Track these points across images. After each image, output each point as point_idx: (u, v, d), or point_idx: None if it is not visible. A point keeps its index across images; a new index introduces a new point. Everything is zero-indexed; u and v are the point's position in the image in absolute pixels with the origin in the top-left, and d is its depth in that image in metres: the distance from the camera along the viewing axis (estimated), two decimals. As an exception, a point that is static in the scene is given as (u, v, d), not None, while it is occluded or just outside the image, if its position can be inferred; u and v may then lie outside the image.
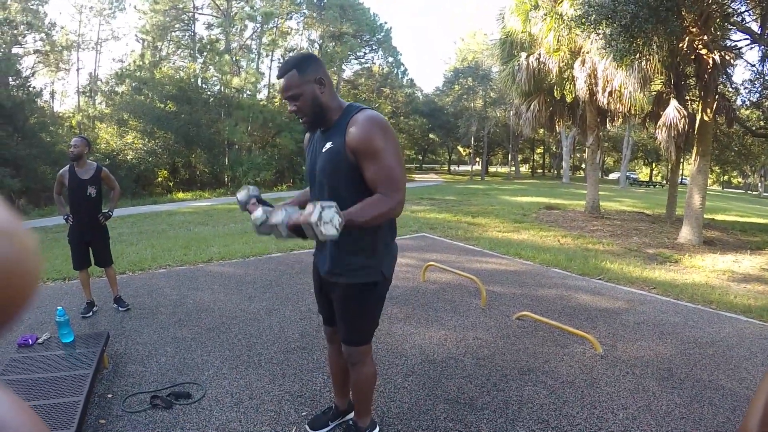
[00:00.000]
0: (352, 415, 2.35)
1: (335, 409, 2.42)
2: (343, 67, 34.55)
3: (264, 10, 26.48)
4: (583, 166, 41.42)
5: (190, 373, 2.98)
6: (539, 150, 48.91)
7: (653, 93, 10.49)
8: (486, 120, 33.97)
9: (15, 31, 21.01)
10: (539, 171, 49.48)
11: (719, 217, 13.89)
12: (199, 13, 30.13)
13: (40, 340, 3.10)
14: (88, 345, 2.98)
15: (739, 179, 49.59)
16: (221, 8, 28.36)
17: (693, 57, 8.26)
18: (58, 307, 3.05)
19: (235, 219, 11.43)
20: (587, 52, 9.89)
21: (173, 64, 28.75)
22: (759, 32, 8.12)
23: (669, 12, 6.93)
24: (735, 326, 4.06)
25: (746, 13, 8.73)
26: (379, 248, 1.87)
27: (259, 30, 28.62)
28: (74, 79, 33.92)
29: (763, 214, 17.10)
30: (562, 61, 10.86)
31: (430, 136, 43.86)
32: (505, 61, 12.24)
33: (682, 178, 22.24)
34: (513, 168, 41.23)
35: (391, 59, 37.54)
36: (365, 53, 36.53)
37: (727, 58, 8.11)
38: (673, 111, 8.59)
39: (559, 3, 10.26)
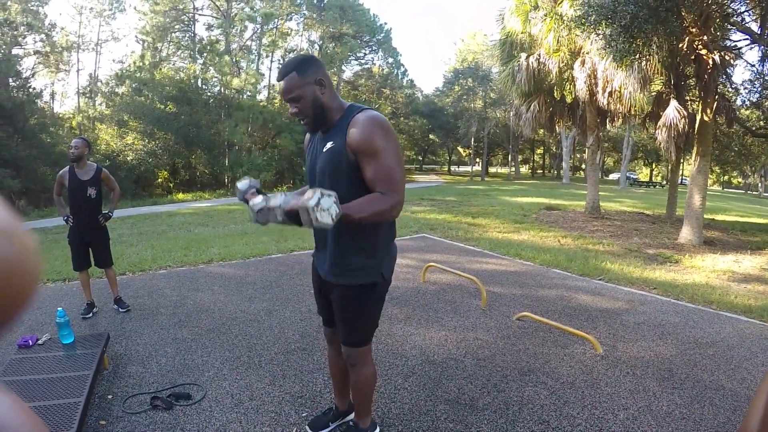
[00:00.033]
0: (352, 416, 2.35)
1: (335, 410, 2.42)
2: (343, 68, 34.62)
3: (264, 11, 26.51)
4: (583, 166, 41.44)
5: (190, 374, 2.98)
6: (539, 150, 48.92)
7: (653, 93, 10.50)
8: (486, 121, 33.98)
9: (15, 32, 21.04)
10: (539, 171, 49.48)
11: (719, 217, 13.89)
12: (199, 14, 30.18)
13: (40, 341, 3.10)
14: (88, 346, 2.98)
15: (739, 179, 49.60)
16: (221, 9, 28.38)
17: (693, 57, 8.27)
18: (59, 308, 3.04)
19: (235, 220, 11.43)
20: (587, 53, 9.89)
21: (173, 65, 28.80)
22: (759, 32, 8.13)
23: (669, 12, 6.94)
24: (735, 326, 4.06)
25: (746, 13, 8.74)
26: (378, 249, 1.87)
27: (259, 31, 28.65)
28: (74, 80, 34.06)
29: (763, 214, 17.09)
30: (562, 62, 10.86)
31: (430, 136, 43.88)
32: (504, 62, 12.24)
33: (682, 179, 22.25)
34: (513, 168, 41.23)
35: (391, 60, 37.61)
36: (365, 54, 36.60)
37: (727, 58, 8.11)
38: (673, 111, 8.59)
39: (559, 3, 10.26)
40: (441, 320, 4.00)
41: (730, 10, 8.24)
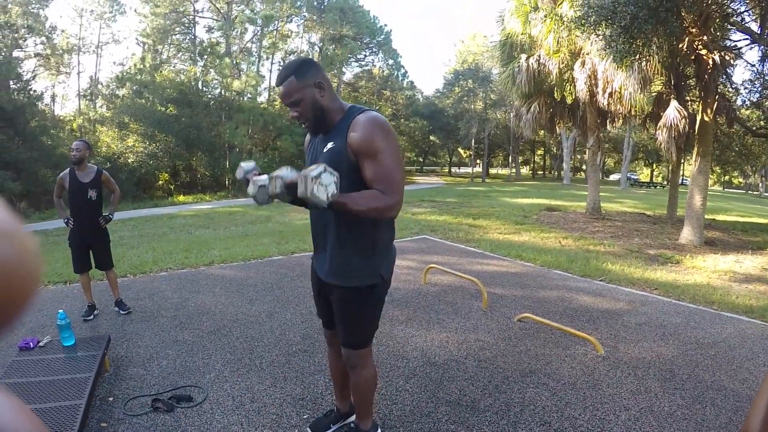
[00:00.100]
0: (353, 417, 2.35)
1: (337, 412, 2.42)
2: (344, 69, 34.64)
3: (264, 13, 26.54)
4: (584, 167, 41.45)
5: (191, 376, 2.98)
6: (540, 151, 48.93)
7: (653, 94, 10.49)
8: (486, 122, 34.00)
9: (16, 35, 21.10)
10: (540, 172, 49.48)
11: (720, 217, 13.88)
12: (200, 17, 30.25)
13: (41, 343, 3.10)
14: (89, 348, 2.98)
15: (740, 179, 49.55)
16: (221, 11, 28.44)
17: (693, 57, 8.27)
18: (59, 311, 3.04)
19: (236, 222, 11.45)
20: (587, 54, 9.89)
21: (174, 67, 28.87)
22: (759, 32, 8.12)
23: (669, 13, 6.94)
24: (737, 327, 4.05)
25: (746, 13, 8.73)
26: (377, 250, 1.87)
27: (259, 33, 28.69)
28: (75, 83, 34.14)
29: (764, 214, 17.08)
30: (562, 63, 10.86)
31: (431, 138, 43.90)
32: (505, 63, 12.25)
33: (682, 179, 22.23)
34: (513, 170, 41.23)
35: (391, 61, 37.64)
36: (365, 56, 36.64)
37: (727, 58, 8.11)
38: (673, 112, 8.59)
39: (559, 4, 10.27)
40: (442, 322, 4.00)
41: (729, 10, 8.24)
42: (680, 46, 7.83)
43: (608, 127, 13.43)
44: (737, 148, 12.53)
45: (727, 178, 46.46)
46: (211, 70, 25.74)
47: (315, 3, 30.97)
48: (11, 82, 19.47)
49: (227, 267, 6.04)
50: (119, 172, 19.19)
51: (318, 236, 1.95)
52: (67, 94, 30.96)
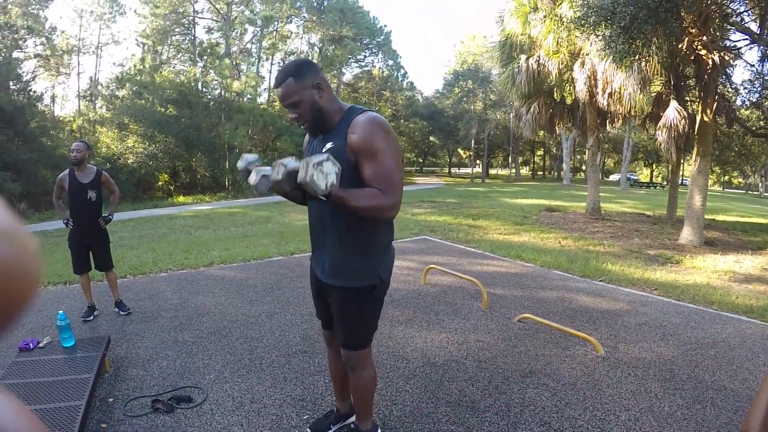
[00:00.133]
0: (353, 418, 2.35)
1: (337, 413, 2.42)
2: (343, 70, 34.66)
3: (264, 14, 26.56)
4: (584, 167, 41.45)
5: (191, 377, 2.98)
6: (539, 152, 48.94)
7: (653, 94, 10.50)
8: (486, 122, 34.01)
9: (16, 36, 21.11)
10: (540, 173, 49.49)
11: (720, 217, 13.88)
12: (199, 17, 30.25)
13: (41, 344, 3.10)
14: (89, 349, 2.98)
15: (740, 179, 49.57)
16: (221, 12, 28.45)
17: (692, 58, 8.27)
18: (59, 311, 3.04)
19: (235, 223, 11.45)
20: (587, 54, 9.90)
21: (174, 68, 28.87)
22: (758, 32, 8.13)
23: (668, 13, 6.94)
24: (737, 327, 4.05)
25: (745, 13, 8.74)
26: (376, 251, 1.87)
27: (259, 34, 28.70)
28: (75, 84, 34.02)
29: (764, 214, 17.08)
30: (562, 63, 10.87)
31: (431, 138, 43.92)
32: (504, 64, 12.25)
33: (682, 179, 22.23)
34: (513, 170, 41.23)
35: (391, 62, 37.67)
36: (365, 56, 36.66)
37: (727, 58, 8.11)
38: (673, 112, 8.59)
39: (559, 5, 10.28)
40: (442, 322, 3.99)
41: (729, 11, 8.25)
42: (680, 46, 7.83)
43: (608, 127, 13.43)
44: (737, 148, 12.53)
45: (726, 178, 46.51)
46: (210, 70, 25.76)
47: (315, 4, 31.01)
48: (11, 83, 19.48)
49: (227, 268, 6.04)
50: (119, 172, 19.20)
51: (317, 237, 1.95)
52: (67, 95, 31.06)
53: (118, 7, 29.85)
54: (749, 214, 16.37)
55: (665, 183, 35.77)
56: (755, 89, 9.66)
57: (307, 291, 4.75)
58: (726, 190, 47.98)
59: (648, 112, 10.81)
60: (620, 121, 12.39)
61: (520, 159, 47.25)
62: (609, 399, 2.74)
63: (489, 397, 2.75)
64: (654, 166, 44.85)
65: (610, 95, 9.65)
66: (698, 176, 8.38)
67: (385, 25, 39.50)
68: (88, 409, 2.31)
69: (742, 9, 8.61)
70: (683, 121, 8.49)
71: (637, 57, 7.63)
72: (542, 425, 2.47)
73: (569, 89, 11.72)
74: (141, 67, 25.45)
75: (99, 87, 28.22)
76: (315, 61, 29.82)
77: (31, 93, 20.57)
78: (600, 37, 7.68)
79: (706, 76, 8.02)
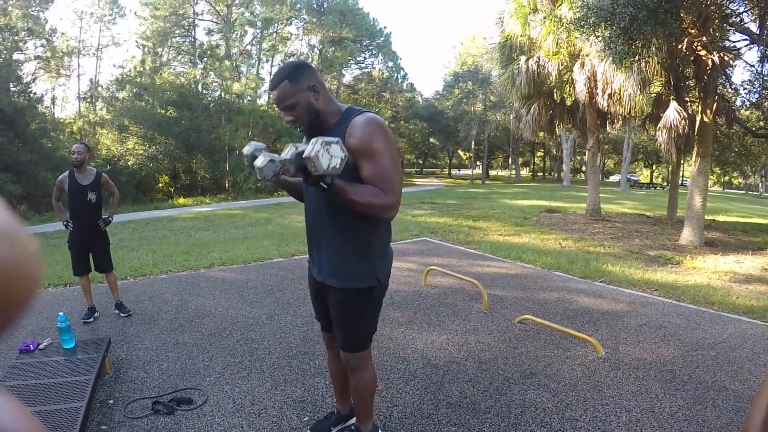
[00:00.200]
0: (354, 420, 2.34)
1: (337, 414, 2.41)
2: (343, 72, 34.69)
3: (264, 16, 26.59)
4: (584, 168, 41.47)
5: (191, 379, 2.98)
6: (539, 153, 48.94)
7: (653, 95, 10.50)
8: (486, 124, 34.01)
9: (16, 38, 21.11)
10: (540, 174, 49.48)
11: (720, 218, 13.88)
12: (200, 19, 30.28)
13: (41, 346, 3.10)
14: (89, 351, 2.98)
15: (740, 180, 49.56)
16: (221, 14, 28.49)
17: (692, 58, 8.28)
18: (60, 313, 3.04)
19: (236, 225, 11.45)
20: (586, 55, 9.91)
21: (174, 69, 28.90)
22: (758, 33, 8.13)
23: (668, 14, 6.95)
24: (737, 327, 4.05)
25: (745, 13, 8.74)
26: (374, 252, 1.87)
27: (259, 35, 28.74)
28: (75, 85, 34.02)
29: (764, 215, 17.07)
30: (562, 64, 10.88)
31: (431, 140, 43.92)
32: (504, 65, 12.26)
33: (682, 180, 22.24)
34: (513, 171, 41.23)
35: (390, 64, 37.68)
36: (365, 58, 36.66)
37: (726, 59, 8.12)
38: (673, 112, 8.60)
39: (558, 6, 10.29)
40: (442, 324, 3.99)
41: (728, 11, 8.25)
42: (679, 47, 7.84)
43: (608, 128, 13.44)
44: (737, 149, 12.54)
45: (726, 178, 46.51)
46: (210, 72, 25.78)
47: (314, 5, 31.04)
48: (11, 85, 19.50)
49: (227, 269, 6.04)
50: (119, 174, 19.21)
51: (314, 237, 1.94)
52: (67, 97, 31.06)
53: (118, 9, 29.89)
54: (749, 215, 16.36)
55: (665, 184, 35.77)
56: (755, 89, 9.67)
57: (307, 293, 4.72)
58: (726, 190, 47.96)
59: (648, 112, 10.81)
60: (620, 122, 12.39)
61: (520, 160, 47.26)
62: (610, 400, 2.74)
63: (490, 398, 2.75)
64: (654, 167, 44.85)
65: (610, 96, 9.66)
66: (698, 177, 8.38)
67: (385, 27, 39.61)
68: (88, 410, 2.31)
69: (741, 9, 8.62)
70: (683, 121, 8.49)
71: (636, 58, 7.64)
72: (543, 426, 2.46)
73: (569, 90, 11.72)
74: (141, 68, 25.48)
75: (99, 89, 28.26)
76: (315, 62, 29.91)
77: (32, 95, 20.59)
78: (600, 38, 7.69)
79: (705, 77, 8.03)
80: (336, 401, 2.45)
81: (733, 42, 9.13)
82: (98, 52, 29.78)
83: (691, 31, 7.69)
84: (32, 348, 3.05)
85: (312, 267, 2.03)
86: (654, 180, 44.17)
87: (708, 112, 8.21)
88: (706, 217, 9.35)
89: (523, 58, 11.35)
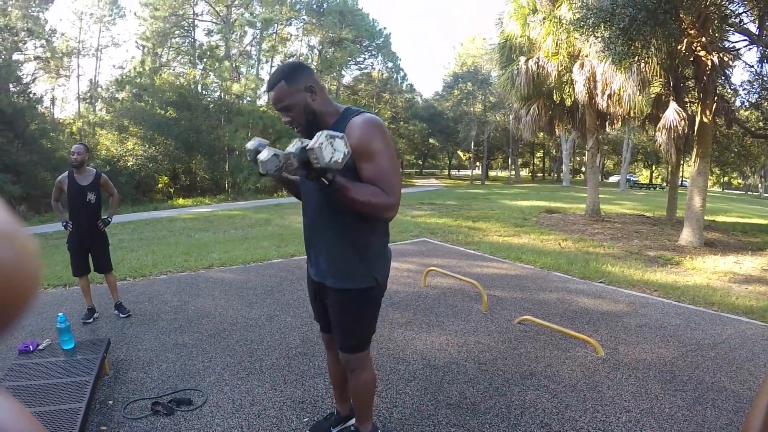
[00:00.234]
0: (354, 420, 2.34)
1: (337, 415, 2.41)
2: (343, 72, 34.73)
3: (263, 17, 26.60)
4: (583, 169, 41.49)
5: (191, 380, 2.98)
6: (539, 154, 48.97)
7: (652, 95, 10.52)
8: (486, 124, 34.03)
9: (16, 38, 21.11)
10: (539, 175, 49.52)
11: (720, 218, 13.89)
12: (199, 20, 30.29)
13: (41, 347, 3.10)
14: (89, 351, 2.98)
15: (739, 180, 49.61)
16: (221, 15, 28.50)
17: (692, 59, 8.29)
18: (59, 314, 3.04)
19: (235, 225, 11.45)
20: (586, 56, 9.91)
21: (173, 70, 28.89)
22: (757, 33, 8.14)
23: (667, 14, 6.95)
24: (737, 328, 4.05)
25: (744, 14, 8.76)
26: (372, 253, 1.86)
27: (258, 36, 28.76)
28: (74, 86, 33.96)
29: (763, 215, 17.08)
30: (561, 65, 10.89)
31: (430, 140, 43.92)
32: (504, 66, 12.27)
33: (682, 180, 22.24)
34: (513, 172, 41.25)
35: (390, 64, 37.71)
36: (365, 59, 36.70)
37: (726, 59, 8.14)
38: (672, 113, 8.60)
39: (558, 7, 10.30)
40: (442, 324, 3.99)
41: (728, 12, 8.26)
42: (679, 47, 7.84)
43: (607, 128, 13.44)
44: (736, 149, 12.56)
45: (726, 179, 46.55)
46: (210, 73, 25.78)
47: (314, 6, 31.05)
48: (11, 85, 19.50)
49: (227, 270, 6.04)
50: (119, 175, 19.21)
51: (312, 237, 1.94)
52: (67, 97, 30.98)
53: (117, 10, 29.89)
54: (749, 215, 16.37)
55: (665, 184, 35.78)
56: (754, 90, 9.69)
57: (306, 294, 4.73)
58: (726, 191, 47.99)
59: (647, 113, 10.83)
60: (620, 123, 12.41)
61: (520, 161, 47.26)
62: (609, 401, 2.74)
63: (489, 399, 2.75)
64: (653, 168, 44.87)
65: (610, 97, 9.67)
66: (698, 177, 8.39)
67: (385, 28, 39.62)
68: (87, 411, 2.31)
69: (740, 10, 8.63)
70: (682, 122, 8.50)
71: (636, 58, 7.64)
72: (543, 427, 2.46)
73: (569, 91, 11.73)
74: (141, 69, 25.47)
75: (99, 89, 28.24)
76: (315, 63, 29.92)
77: (31, 95, 20.59)
78: (599, 39, 7.69)
79: (705, 77, 8.04)
80: (335, 402, 2.45)
81: (733, 42, 9.15)
82: (98, 52, 29.82)
83: (690, 31, 7.70)
84: (32, 349, 3.05)
85: (309, 267, 2.03)
86: (653, 180, 44.21)
87: (707, 112, 8.22)
88: (706, 218, 9.36)
89: (522, 58, 11.35)
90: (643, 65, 8.10)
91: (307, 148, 1.50)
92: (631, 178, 39.80)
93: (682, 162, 13.63)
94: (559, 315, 4.27)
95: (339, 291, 1.88)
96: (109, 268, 4.21)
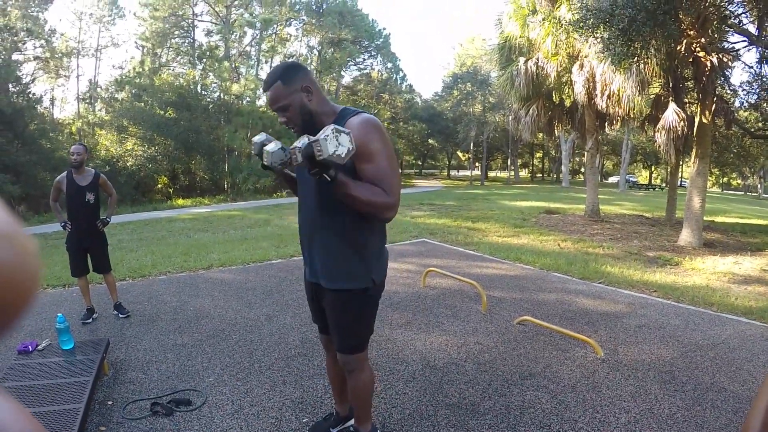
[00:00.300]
0: (353, 421, 2.34)
1: (336, 416, 2.41)
2: (342, 73, 34.72)
3: (263, 17, 26.60)
4: (583, 169, 41.49)
5: (190, 380, 2.97)
6: (538, 154, 48.97)
7: (651, 96, 10.52)
8: (485, 125, 34.02)
9: (15, 38, 21.08)
10: (539, 175, 49.51)
11: (719, 219, 13.90)
12: (199, 20, 30.28)
13: (40, 347, 3.10)
14: (88, 352, 2.98)
15: (739, 181, 49.61)
16: (220, 15, 28.49)
17: (691, 60, 8.30)
18: (58, 314, 3.04)
19: (235, 226, 11.44)
20: (585, 56, 9.92)
21: (173, 70, 28.90)
22: (756, 34, 8.15)
23: (666, 15, 6.96)
24: (736, 328, 4.05)
25: (743, 15, 8.77)
26: (369, 253, 1.86)
27: (258, 37, 28.75)
28: (74, 86, 33.92)
29: (763, 216, 17.10)
30: (561, 66, 10.89)
31: (430, 141, 43.93)
32: (503, 66, 12.28)
33: (681, 181, 22.27)
34: (512, 172, 41.28)
35: (390, 65, 37.68)
36: (364, 59, 36.67)
37: (725, 60, 8.15)
38: (671, 114, 8.61)
39: (557, 7, 10.31)
40: (441, 325, 3.99)
41: (727, 12, 8.28)
42: (678, 48, 7.85)
43: (607, 129, 13.46)
44: (735, 150, 12.57)
45: (725, 179, 46.51)
46: (210, 73, 25.77)
47: (314, 7, 31.05)
48: (10, 85, 19.47)
49: (226, 270, 6.03)
50: (118, 175, 19.19)
51: (308, 237, 1.93)
52: (66, 98, 30.95)
53: (117, 10, 29.88)
54: (748, 216, 16.39)
55: (664, 185, 35.81)
56: (754, 91, 9.70)
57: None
58: (725, 191, 48.03)
59: (647, 114, 10.84)
60: (619, 123, 12.41)
61: (519, 161, 47.28)
62: (609, 401, 2.74)
63: (489, 399, 2.75)
64: (653, 168, 44.90)
65: (609, 97, 9.67)
66: (697, 178, 8.39)
67: (384, 28, 39.62)
68: (87, 412, 2.31)
69: (740, 11, 8.65)
70: (682, 122, 8.51)
71: (635, 59, 7.65)
72: (542, 428, 2.46)
73: (568, 91, 11.74)
74: (140, 69, 25.46)
75: (98, 89, 28.21)
76: (314, 64, 29.92)
77: (31, 95, 20.56)
78: (598, 40, 7.70)
79: (704, 78, 8.05)
80: (335, 402, 2.45)
81: (732, 43, 9.17)
82: (97, 52, 29.81)
83: (689, 32, 7.70)
84: (31, 349, 3.04)
85: (306, 267, 2.03)
86: (653, 181, 44.24)
87: (707, 113, 8.22)
88: (705, 218, 9.37)
89: (522, 59, 11.36)
90: (642, 66, 8.11)
91: (312, 140, 1.51)
92: (631, 179, 39.84)
93: (681, 163, 13.67)
94: (559, 315, 4.27)
95: (336, 292, 1.88)
96: (108, 269, 4.21)
